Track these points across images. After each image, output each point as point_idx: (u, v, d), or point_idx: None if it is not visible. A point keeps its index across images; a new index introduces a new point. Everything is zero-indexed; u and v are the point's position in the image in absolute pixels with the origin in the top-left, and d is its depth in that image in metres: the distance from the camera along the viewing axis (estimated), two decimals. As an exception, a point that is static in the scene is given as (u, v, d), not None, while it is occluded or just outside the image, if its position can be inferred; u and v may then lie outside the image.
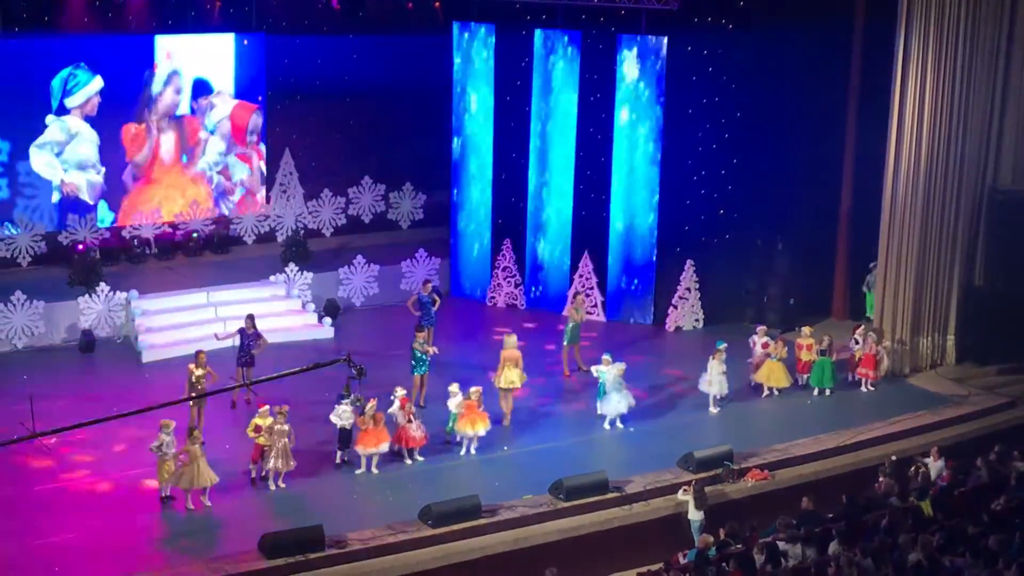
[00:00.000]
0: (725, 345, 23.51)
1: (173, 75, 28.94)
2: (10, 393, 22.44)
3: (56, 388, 22.98)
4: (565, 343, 24.97)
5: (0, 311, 24.85)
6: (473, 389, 21.41)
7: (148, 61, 28.61)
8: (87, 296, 25.60)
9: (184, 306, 26.33)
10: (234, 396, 22.45)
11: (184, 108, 29.31)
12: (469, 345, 25.95)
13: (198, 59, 29.28)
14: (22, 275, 27.06)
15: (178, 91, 29.09)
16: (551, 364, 25.33)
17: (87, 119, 28.13)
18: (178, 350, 24.56)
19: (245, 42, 29.57)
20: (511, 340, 22.89)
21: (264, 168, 30.73)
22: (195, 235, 29.59)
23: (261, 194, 30.77)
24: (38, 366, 24.31)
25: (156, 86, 28.84)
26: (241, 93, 30.00)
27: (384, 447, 20.58)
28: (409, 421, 20.87)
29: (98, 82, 28.00)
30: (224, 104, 29.85)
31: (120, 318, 25.73)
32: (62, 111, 27.85)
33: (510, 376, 22.50)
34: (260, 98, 30.17)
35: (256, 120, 30.38)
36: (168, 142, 29.29)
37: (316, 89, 30.79)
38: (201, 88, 29.46)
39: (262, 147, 30.64)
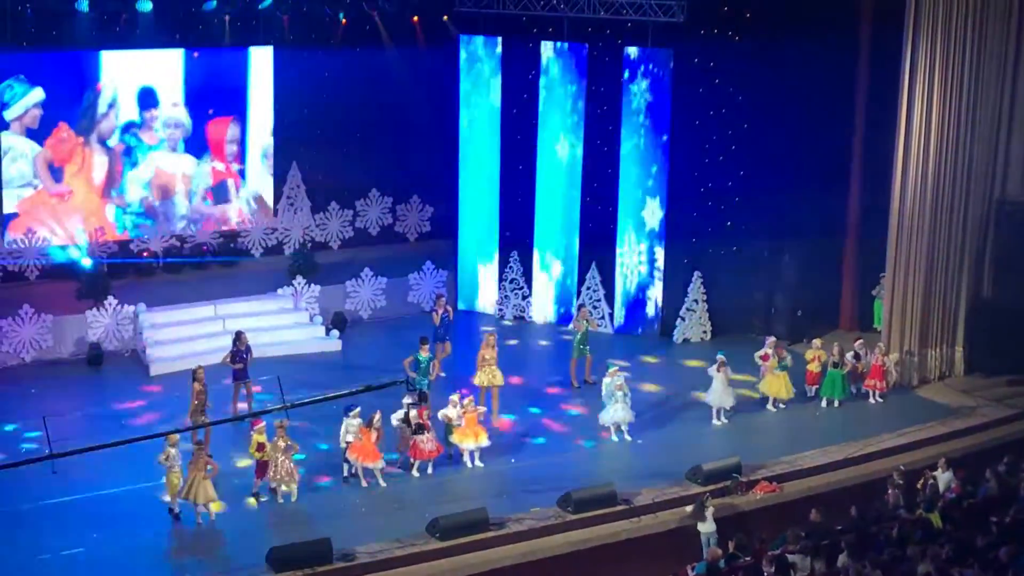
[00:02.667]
0: (723, 357, 23.46)
1: (114, 99, 28.14)
2: (20, 408, 22.54)
3: (65, 402, 23.04)
4: (573, 356, 24.97)
5: (8, 324, 24.89)
6: (467, 400, 21.47)
7: (93, 76, 27.94)
8: (95, 309, 25.64)
9: (192, 319, 26.36)
10: (234, 410, 22.43)
11: (115, 132, 28.33)
12: (474, 358, 25.88)
13: (144, 74, 28.53)
14: (30, 288, 27.11)
15: (117, 116, 28.27)
16: (559, 376, 25.32)
17: (28, 132, 27.46)
18: (186, 363, 24.54)
19: (195, 55, 28.84)
20: (486, 339, 23.07)
21: (235, 183, 30.05)
22: (204, 248, 29.69)
23: (236, 208, 30.11)
24: (46, 379, 24.35)
25: (101, 107, 28.05)
26: (193, 105, 29.14)
27: (378, 464, 20.59)
28: (422, 433, 20.86)
29: (38, 93, 27.29)
30: (176, 114, 28.94)
31: (128, 331, 25.77)
32: (2, 125, 27.22)
33: (480, 376, 22.71)
34: (212, 111, 29.37)
35: (234, 131, 29.73)
36: (100, 166, 28.30)
37: (323, 102, 30.79)
38: (148, 100, 28.64)
39: (234, 165, 29.90)
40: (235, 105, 29.66)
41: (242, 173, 30.02)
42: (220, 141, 29.65)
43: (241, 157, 29.96)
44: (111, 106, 28.28)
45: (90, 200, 28.33)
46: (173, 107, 28.91)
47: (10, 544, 18.43)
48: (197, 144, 29.35)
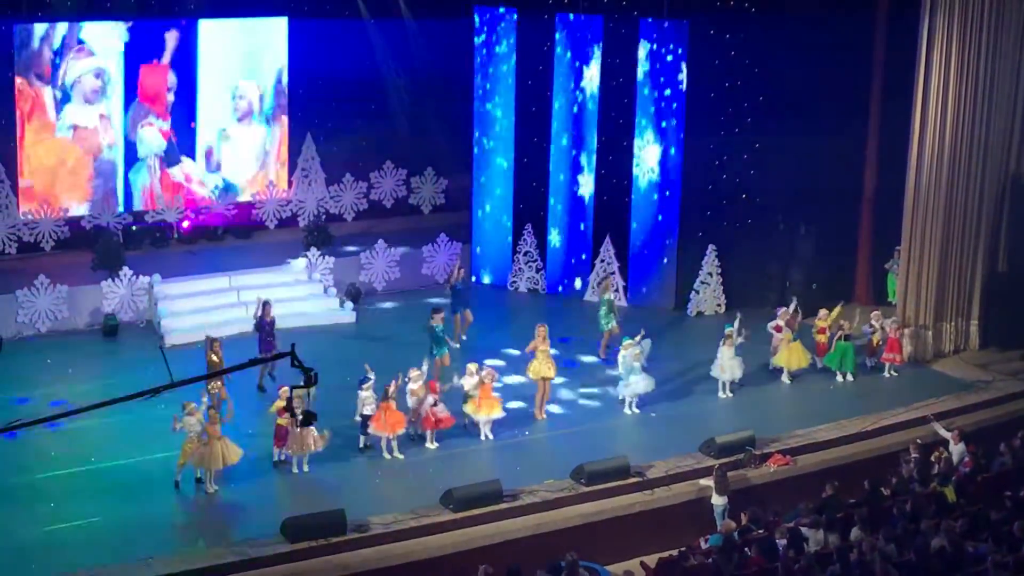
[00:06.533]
0: (733, 329, 23.42)
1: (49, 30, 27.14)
2: (34, 378, 22.63)
3: (79, 372, 23.12)
4: (607, 327, 24.85)
5: (24, 295, 24.96)
6: (486, 371, 21.43)
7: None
8: (110, 280, 25.69)
9: (206, 290, 26.39)
10: (260, 381, 22.56)
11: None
12: (489, 330, 25.92)
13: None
14: (46, 259, 27.18)
15: (52, 50, 27.20)
16: (572, 350, 25.33)
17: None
18: (201, 334, 24.59)
19: None
20: (537, 330, 22.64)
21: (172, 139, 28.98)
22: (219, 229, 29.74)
23: (183, 170, 29.39)
24: (61, 350, 24.41)
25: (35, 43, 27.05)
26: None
27: (399, 431, 20.61)
28: (435, 404, 20.90)
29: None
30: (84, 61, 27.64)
31: (143, 302, 25.83)
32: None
33: (534, 366, 22.43)
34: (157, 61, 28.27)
35: (171, 79, 28.59)
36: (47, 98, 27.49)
37: (338, 73, 30.71)
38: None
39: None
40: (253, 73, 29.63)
41: (192, 132, 29.16)
42: (159, 92, 28.48)
43: (191, 112, 29.09)
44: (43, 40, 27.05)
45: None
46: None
47: (24, 514, 18.52)
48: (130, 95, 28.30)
